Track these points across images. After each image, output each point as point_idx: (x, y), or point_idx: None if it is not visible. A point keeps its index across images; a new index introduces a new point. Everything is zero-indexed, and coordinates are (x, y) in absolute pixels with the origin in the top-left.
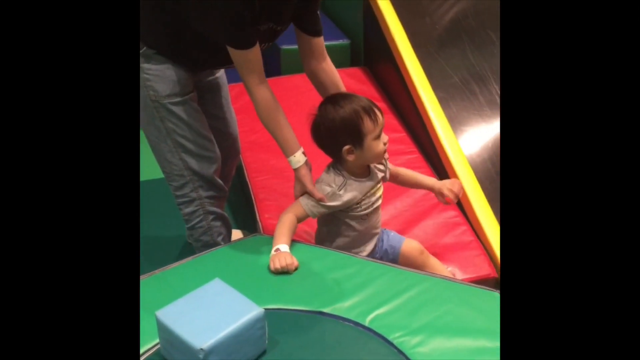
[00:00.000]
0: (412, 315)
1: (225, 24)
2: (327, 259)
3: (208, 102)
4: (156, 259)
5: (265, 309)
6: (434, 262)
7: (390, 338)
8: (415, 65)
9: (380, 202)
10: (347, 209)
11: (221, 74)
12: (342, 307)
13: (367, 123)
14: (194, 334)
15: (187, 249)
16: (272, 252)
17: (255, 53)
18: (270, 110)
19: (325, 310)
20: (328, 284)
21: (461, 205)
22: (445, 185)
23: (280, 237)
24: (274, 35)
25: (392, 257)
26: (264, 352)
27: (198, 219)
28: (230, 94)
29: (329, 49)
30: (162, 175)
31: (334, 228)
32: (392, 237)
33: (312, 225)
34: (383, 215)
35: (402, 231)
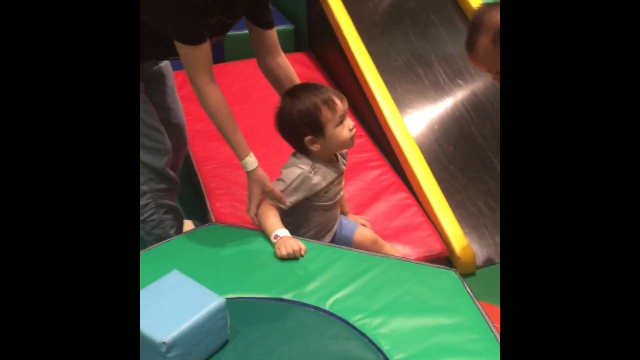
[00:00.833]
0: (371, 297)
1: (175, 17)
2: None
3: (154, 93)
4: None
5: (226, 298)
6: (388, 250)
7: (351, 321)
8: (360, 48)
9: (342, 193)
10: (313, 196)
11: (165, 63)
12: (302, 293)
13: (326, 112)
14: (155, 327)
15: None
16: (272, 239)
17: (205, 49)
18: (223, 112)
19: (286, 296)
20: (287, 270)
21: (411, 186)
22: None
23: (272, 224)
24: (225, 29)
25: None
26: (226, 342)
27: (149, 212)
28: (174, 81)
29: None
30: None
31: (297, 219)
32: (345, 225)
33: None
34: None
35: (355, 214)
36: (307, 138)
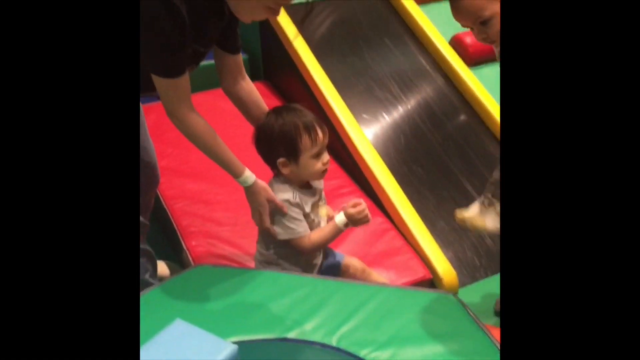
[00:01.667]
0: (376, 328)
1: (156, 52)
2: (278, 281)
3: None
4: None
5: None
6: (376, 277)
7: (361, 355)
8: (320, 74)
9: (324, 223)
10: None
11: None
12: (306, 330)
13: (305, 140)
14: None
15: None
16: (344, 227)
17: (185, 80)
18: (210, 136)
19: (290, 335)
20: (285, 307)
21: (385, 210)
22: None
23: (326, 227)
24: (199, 59)
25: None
26: None
27: None
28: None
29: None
30: None
31: (281, 250)
32: (332, 254)
33: (242, 248)
34: None
35: (335, 243)
36: (280, 160)
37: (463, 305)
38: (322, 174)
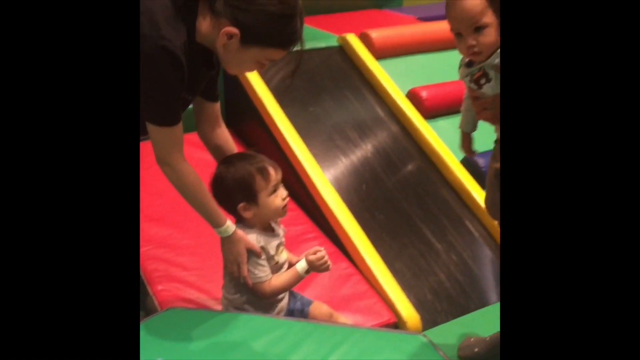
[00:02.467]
0: None
1: (155, 99)
2: (252, 323)
3: None
4: None
5: None
6: (344, 321)
7: None
8: (285, 123)
9: (286, 265)
10: None
11: None
12: None
13: (259, 181)
14: None
15: None
16: (304, 274)
17: (179, 129)
18: (200, 187)
19: None
20: (261, 349)
21: (349, 255)
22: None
23: (289, 272)
24: (186, 105)
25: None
26: None
27: None
28: None
29: (189, 112)
30: None
31: (246, 295)
32: (299, 299)
33: (208, 292)
34: None
35: (300, 287)
36: (241, 205)
37: (433, 345)
38: (284, 209)
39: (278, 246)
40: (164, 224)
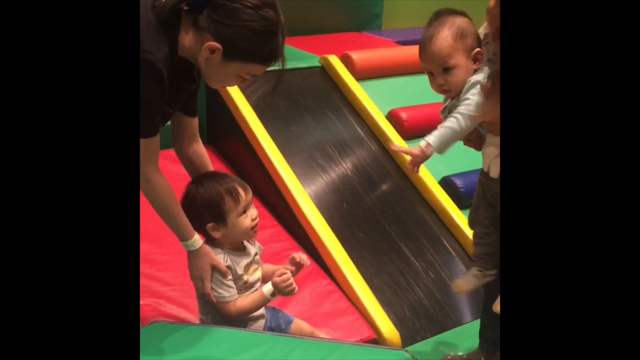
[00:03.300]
0: None
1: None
2: (237, 338)
3: None
4: None
5: None
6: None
7: None
8: (267, 140)
9: (259, 284)
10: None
11: None
12: None
13: (229, 201)
14: None
15: None
16: (270, 297)
17: (157, 141)
18: (171, 199)
19: None
20: None
21: (330, 272)
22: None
23: (255, 294)
24: (167, 119)
25: None
26: None
27: None
28: None
29: (168, 129)
30: None
31: (217, 315)
32: (279, 317)
33: (189, 307)
34: None
35: (281, 304)
36: (209, 225)
37: None
38: (253, 230)
39: (248, 265)
40: (145, 239)
